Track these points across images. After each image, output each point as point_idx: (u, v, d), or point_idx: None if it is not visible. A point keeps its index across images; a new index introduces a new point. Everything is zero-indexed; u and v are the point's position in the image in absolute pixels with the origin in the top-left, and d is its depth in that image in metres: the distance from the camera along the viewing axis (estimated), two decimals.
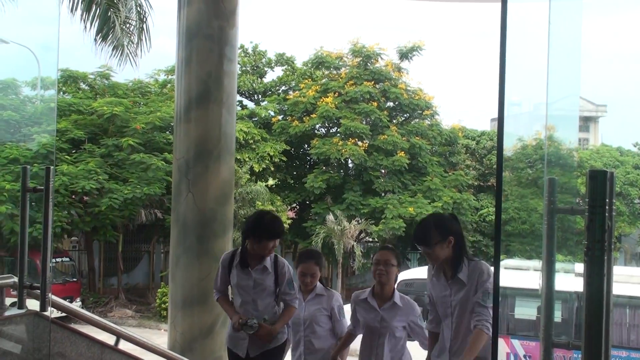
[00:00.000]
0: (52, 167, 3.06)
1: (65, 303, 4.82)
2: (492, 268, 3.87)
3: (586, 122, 55.64)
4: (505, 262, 16.15)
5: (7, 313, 3.69)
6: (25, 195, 3.16)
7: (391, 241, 27.74)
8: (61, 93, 26.22)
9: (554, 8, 2.28)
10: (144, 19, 12.88)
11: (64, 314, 5.28)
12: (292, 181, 29.40)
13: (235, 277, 5.21)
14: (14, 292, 4.06)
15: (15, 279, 3.87)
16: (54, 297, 3.52)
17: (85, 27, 11.81)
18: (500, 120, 2.45)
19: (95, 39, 12.14)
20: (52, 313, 3.81)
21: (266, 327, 5.08)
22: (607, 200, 1.86)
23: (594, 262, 1.84)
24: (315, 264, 5.64)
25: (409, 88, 28.57)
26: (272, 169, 26.95)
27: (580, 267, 1.93)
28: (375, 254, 5.41)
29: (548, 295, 1.91)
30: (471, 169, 30.20)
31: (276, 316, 5.23)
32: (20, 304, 3.36)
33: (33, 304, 3.74)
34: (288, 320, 5.32)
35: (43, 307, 3.13)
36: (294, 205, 29.51)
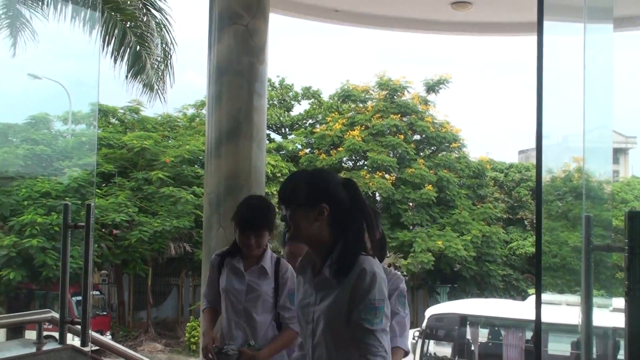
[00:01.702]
0: (92, 204, 3.11)
1: (102, 337, 4.87)
2: (379, 270, 2.63)
3: (616, 154, 55.12)
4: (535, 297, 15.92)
5: (44, 348, 3.73)
6: (67, 231, 3.21)
7: (420, 275, 27.57)
8: (92, 127, 26.62)
9: (589, 41, 2.31)
10: (169, 56, 13.11)
11: (95, 347, 5.33)
12: None
13: (224, 280, 3.96)
14: (48, 326, 4.11)
15: (53, 314, 3.93)
16: (91, 332, 3.57)
17: (116, 63, 12.04)
18: (539, 151, 2.46)
19: (126, 77, 12.36)
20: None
21: (247, 353, 3.64)
22: None
23: (635, 302, 1.83)
24: None
25: (435, 121, 28.59)
26: None
27: (616, 302, 1.93)
28: None
29: (587, 332, 1.91)
30: (500, 201, 29.98)
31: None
32: (62, 339, 3.39)
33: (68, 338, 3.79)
34: (283, 348, 3.88)
35: (84, 343, 3.16)
36: None
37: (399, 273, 3.77)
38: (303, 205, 2.65)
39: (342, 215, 2.67)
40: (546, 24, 2.53)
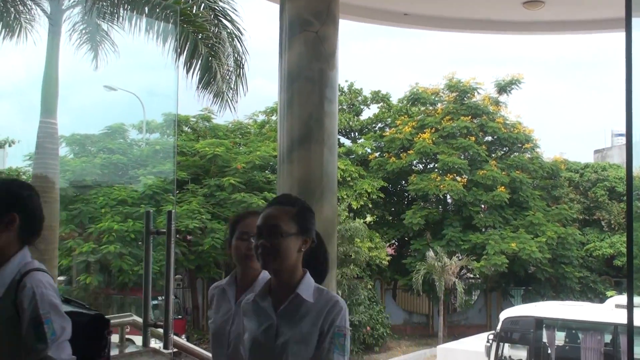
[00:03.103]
0: (173, 210, 3.21)
1: (181, 340, 4.99)
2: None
3: None
4: (616, 299, 15.49)
5: (127, 350, 3.85)
6: (149, 237, 3.32)
7: (493, 278, 27.20)
8: (165, 136, 27.23)
9: None
10: (241, 65, 13.31)
11: (173, 349, 5.45)
12: (390, 218, 29.34)
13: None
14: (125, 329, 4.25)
15: (135, 317, 4.06)
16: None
17: (187, 73, 12.31)
18: (629, 149, 2.43)
19: (197, 87, 12.63)
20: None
21: None
22: None
23: None
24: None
25: (507, 122, 28.19)
26: (370, 205, 27.00)
27: None
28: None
29: None
30: (575, 202, 29.27)
31: None
32: (146, 342, 3.50)
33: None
34: None
35: (166, 345, 3.26)
36: (393, 241, 29.41)
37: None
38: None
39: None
40: (635, 20, 2.49)
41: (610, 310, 14.43)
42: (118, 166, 22.53)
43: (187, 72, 12.33)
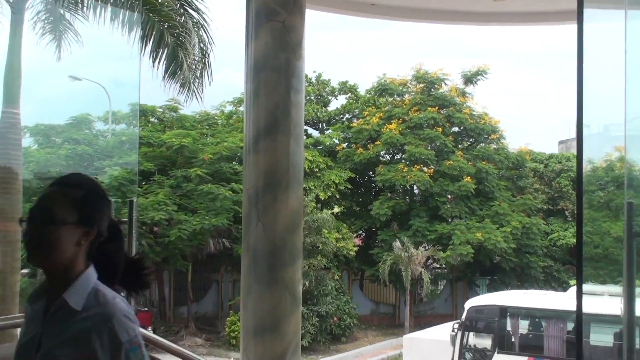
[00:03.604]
0: (135, 200, 3.18)
1: (145, 331, 4.94)
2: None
3: None
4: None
5: None
6: None
7: (459, 267, 27.45)
8: (132, 127, 26.95)
9: (630, 28, 2.29)
10: (207, 55, 13.22)
11: None
12: (357, 208, 29.43)
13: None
14: None
15: None
16: None
17: (154, 64, 12.19)
18: (579, 141, 2.45)
19: (164, 77, 12.51)
20: None
21: None
22: None
23: None
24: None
25: (474, 112, 28.42)
26: (338, 196, 27.05)
27: None
28: None
29: (629, 320, 1.90)
30: (540, 192, 29.67)
31: None
32: None
33: None
34: None
35: None
36: (360, 232, 29.52)
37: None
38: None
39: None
40: (586, 11, 2.51)
41: (572, 298, 14.60)
42: (83, 157, 22.22)
43: (154, 61, 12.21)
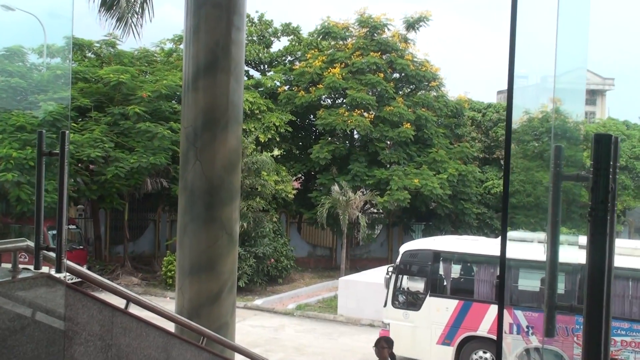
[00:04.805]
0: (67, 132, 3.10)
1: (78, 267, 4.89)
2: None
3: (593, 96, 55.40)
4: (509, 234, 16.14)
5: (20, 276, 3.75)
6: (42, 159, 3.19)
7: (396, 213, 27.87)
8: (67, 61, 26.18)
9: None
10: None
11: (75, 279, 5.33)
12: (297, 152, 29.48)
13: None
14: (25, 259, 4.13)
15: (28, 243, 3.94)
16: (68, 262, 3.58)
17: None
18: (510, 92, 2.48)
19: (99, 10, 12.10)
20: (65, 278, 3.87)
21: None
22: (612, 163, 1.91)
23: (597, 222, 1.89)
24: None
25: (415, 59, 28.49)
26: (278, 139, 27.00)
27: (584, 240, 1.98)
28: None
29: (552, 260, 1.96)
30: (477, 141, 30.19)
31: None
32: (37, 265, 3.41)
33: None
34: None
35: (59, 269, 3.18)
36: (299, 175, 29.64)
37: None
38: None
39: None
40: None
41: None
42: (17, 90, 21.55)
43: None
